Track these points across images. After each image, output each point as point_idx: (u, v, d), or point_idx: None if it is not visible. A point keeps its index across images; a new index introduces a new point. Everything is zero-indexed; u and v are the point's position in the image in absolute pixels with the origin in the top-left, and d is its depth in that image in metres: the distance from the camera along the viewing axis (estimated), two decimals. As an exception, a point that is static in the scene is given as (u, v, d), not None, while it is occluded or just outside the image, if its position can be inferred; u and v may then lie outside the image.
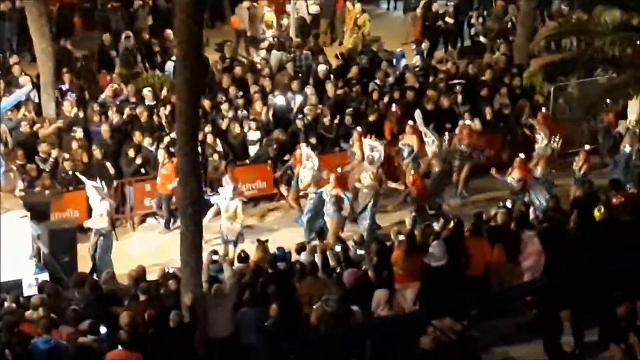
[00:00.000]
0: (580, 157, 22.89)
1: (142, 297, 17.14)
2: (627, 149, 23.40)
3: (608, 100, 21.01)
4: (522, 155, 22.37)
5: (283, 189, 23.10)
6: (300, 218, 22.38)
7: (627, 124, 24.13)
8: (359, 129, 23.39)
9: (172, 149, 21.52)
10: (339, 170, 21.86)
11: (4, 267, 18.10)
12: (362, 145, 22.76)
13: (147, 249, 21.71)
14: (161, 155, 22.14)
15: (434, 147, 22.93)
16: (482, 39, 31.14)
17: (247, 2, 30.92)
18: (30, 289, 18.04)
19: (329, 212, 21.49)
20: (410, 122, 23.45)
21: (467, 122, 23.99)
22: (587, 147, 23.13)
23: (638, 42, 19.36)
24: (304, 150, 22.52)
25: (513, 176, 22.13)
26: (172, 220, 22.25)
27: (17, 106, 23.57)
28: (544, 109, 24.51)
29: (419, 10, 32.46)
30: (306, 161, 22.24)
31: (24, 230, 18.64)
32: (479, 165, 24.41)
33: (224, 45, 28.52)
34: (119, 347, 15.92)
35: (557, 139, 23.28)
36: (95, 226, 20.05)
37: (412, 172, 22.07)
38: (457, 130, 23.84)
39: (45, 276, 18.32)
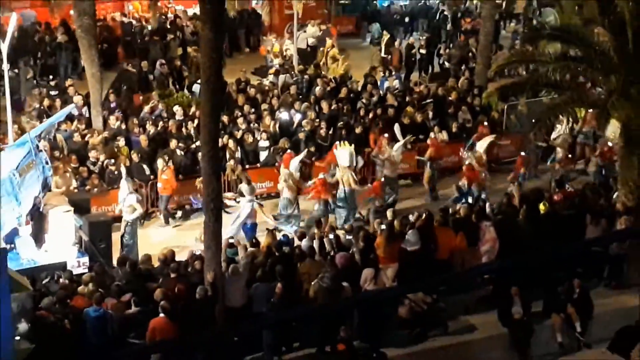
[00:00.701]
0: (518, 161, 22.82)
1: (172, 275, 17.14)
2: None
3: (551, 116, 20.96)
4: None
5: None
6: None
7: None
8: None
9: (166, 158, 21.42)
10: (321, 176, 21.56)
11: (52, 251, 18.23)
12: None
13: (168, 236, 21.56)
14: (160, 163, 21.60)
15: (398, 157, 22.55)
16: (447, 64, 31.13)
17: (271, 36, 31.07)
18: (77, 269, 18.03)
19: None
20: (386, 135, 23.14)
21: (436, 134, 23.99)
22: (522, 153, 23.08)
23: (574, 69, 19.30)
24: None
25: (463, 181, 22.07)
26: (169, 218, 22.01)
27: (70, 119, 23.57)
28: (485, 123, 24.41)
29: (397, 43, 32.42)
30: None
31: (68, 222, 18.60)
32: (445, 169, 24.36)
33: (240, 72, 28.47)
34: (161, 315, 15.92)
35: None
36: (129, 218, 19.96)
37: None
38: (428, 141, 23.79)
39: (85, 259, 18.28)
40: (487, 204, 20.24)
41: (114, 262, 18.42)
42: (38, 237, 18.37)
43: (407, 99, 26.59)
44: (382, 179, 22.18)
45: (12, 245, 17.86)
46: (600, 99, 19.44)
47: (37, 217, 18.53)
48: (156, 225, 22.17)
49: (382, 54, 31.32)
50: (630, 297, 18.27)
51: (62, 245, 18.41)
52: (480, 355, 17.31)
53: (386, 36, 31.79)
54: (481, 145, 23.02)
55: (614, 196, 19.91)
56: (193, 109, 24.65)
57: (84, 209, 19.58)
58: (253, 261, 17.80)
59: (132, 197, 20.04)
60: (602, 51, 19.00)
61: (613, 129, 21.19)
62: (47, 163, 19.41)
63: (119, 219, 20.35)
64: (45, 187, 19.19)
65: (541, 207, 19.82)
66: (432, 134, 23.96)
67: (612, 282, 19.03)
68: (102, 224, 19.35)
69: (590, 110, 22.05)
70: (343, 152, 21.91)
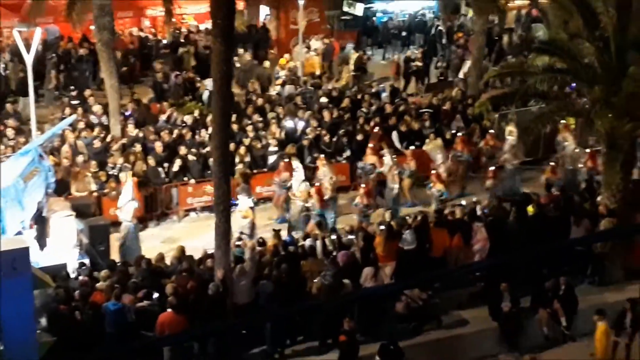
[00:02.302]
0: (489, 173, 22.68)
1: (185, 273, 17.16)
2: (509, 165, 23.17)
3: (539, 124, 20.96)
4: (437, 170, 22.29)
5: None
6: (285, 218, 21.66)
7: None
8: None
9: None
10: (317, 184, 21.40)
11: (54, 254, 18.26)
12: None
13: (184, 235, 21.51)
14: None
15: (389, 167, 22.24)
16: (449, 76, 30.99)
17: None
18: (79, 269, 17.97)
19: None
20: (371, 145, 23.05)
21: (431, 141, 23.93)
22: (492, 167, 22.89)
23: (561, 80, 19.32)
24: (294, 163, 22.04)
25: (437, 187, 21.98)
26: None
27: (90, 127, 23.61)
28: (460, 134, 24.22)
29: (395, 57, 32.47)
30: (295, 173, 21.74)
31: (70, 226, 18.65)
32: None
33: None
34: (169, 310, 15.94)
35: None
36: (129, 222, 19.80)
37: (363, 185, 21.67)
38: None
39: (86, 261, 18.25)
40: (478, 206, 20.22)
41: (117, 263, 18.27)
42: (41, 240, 18.44)
43: (405, 108, 26.60)
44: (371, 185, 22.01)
45: None
46: (585, 108, 19.46)
47: (40, 221, 18.62)
48: (181, 224, 22.14)
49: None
50: (612, 293, 18.29)
51: (64, 247, 18.44)
52: (472, 348, 17.30)
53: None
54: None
55: (598, 199, 19.90)
56: (205, 117, 24.67)
57: (85, 214, 19.64)
58: (261, 259, 17.83)
59: (133, 203, 19.96)
60: (586, 63, 19.03)
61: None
62: (49, 170, 19.37)
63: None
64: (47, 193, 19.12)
65: (529, 209, 19.83)
66: (412, 147, 23.78)
67: (596, 279, 19.02)
68: (101, 227, 19.46)
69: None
70: (300, 166, 21.80)
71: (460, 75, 29.96)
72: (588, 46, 19.01)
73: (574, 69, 18.96)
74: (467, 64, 30.06)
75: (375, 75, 31.51)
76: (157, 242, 20.89)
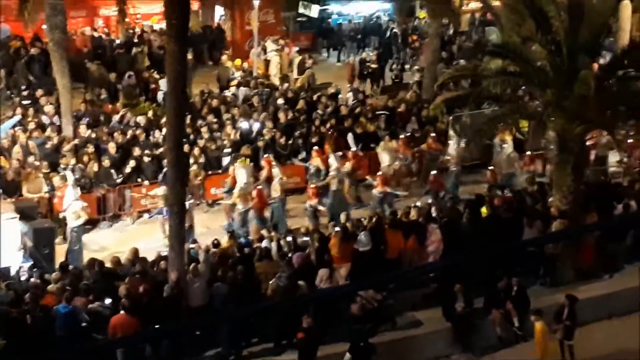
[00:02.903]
0: (430, 177, 22.85)
1: (138, 275, 17.01)
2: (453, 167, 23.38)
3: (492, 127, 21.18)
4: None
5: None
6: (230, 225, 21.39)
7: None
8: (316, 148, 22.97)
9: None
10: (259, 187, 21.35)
11: None
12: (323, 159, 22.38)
13: (112, 241, 21.19)
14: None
15: (335, 170, 22.19)
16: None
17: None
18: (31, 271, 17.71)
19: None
20: (316, 148, 23.02)
21: (386, 143, 24.01)
22: (433, 172, 23.00)
23: (514, 83, 19.54)
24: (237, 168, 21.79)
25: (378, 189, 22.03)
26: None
27: (42, 128, 23.28)
28: (402, 136, 24.34)
29: (350, 59, 32.62)
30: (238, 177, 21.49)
31: (13, 229, 18.22)
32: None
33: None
34: (122, 312, 15.78)
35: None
36: (74, 224, 19.54)
37: (312, 185, 21.71)
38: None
39: (29, 265, 17.94)
40: (433, 208, 20.36)
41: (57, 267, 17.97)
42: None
43: (360, 110, 26.69)
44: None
45: None
46: (537, 111, 19.71)
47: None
48: (134, 226, 21.93)
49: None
50: (563, 294, 18.49)
51: (7, 250, 18.05)
52: (426, 349, 17.40)
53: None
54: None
55: (549, 200, 20.16)
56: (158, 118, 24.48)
57: (29, 217, 19.20)
58: (215, 262, 17.73)
59: (77, 204, 19.72)
60: (539, 67, 19.28)
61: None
62: None
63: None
64: None
65: (483, 210, 20.02)
66: (353, 148, 23.78)
67: (547, 280, 19.27)
68: (45, 230, 19.04)
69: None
70: (241, 170, 21.66)
71: (416, 77, 30.14)
72: (540, 50, 19.26)
73: (527, 72, 19.19)
74: (417, 67, 30.41)
75: (331, 77, 31.51)
76: (109, 244, 20.66)
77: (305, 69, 30.62)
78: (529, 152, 23.67)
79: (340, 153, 22.97)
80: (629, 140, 23.41)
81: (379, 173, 22.46)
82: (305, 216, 21.58)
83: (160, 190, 20.78)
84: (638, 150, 24.15)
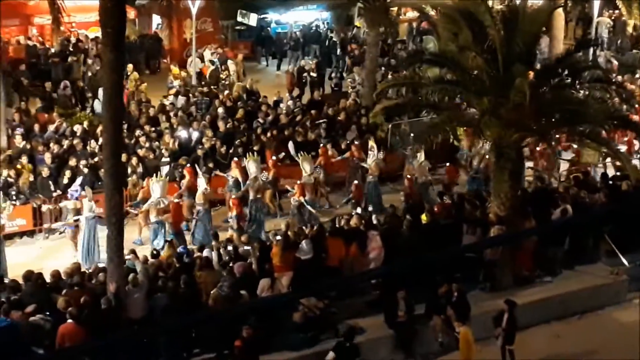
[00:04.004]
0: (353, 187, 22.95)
1: (76, 287, 16.76)
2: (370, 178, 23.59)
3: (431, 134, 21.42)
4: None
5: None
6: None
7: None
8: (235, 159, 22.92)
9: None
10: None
11: None
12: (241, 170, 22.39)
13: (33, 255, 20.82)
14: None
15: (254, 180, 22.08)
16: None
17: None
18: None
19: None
20: (235, 159, 22.92)
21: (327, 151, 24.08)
22: (355, 181, 23.13)
23: (451, 91, 19.81)
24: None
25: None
26: None
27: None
28: (328, 147, 24.33)
29: (290, 68, 32.69)
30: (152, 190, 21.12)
31: None
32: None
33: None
34: (69, 321, 15.54)
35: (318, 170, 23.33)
36: None
37: (233, 196, 21.70)
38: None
39: None
40: (374, 215, 20.49)
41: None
42: None
43: (300, 118, 26.74)
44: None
45: None
46: (474, 118, 20.00)
47: None
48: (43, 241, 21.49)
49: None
50: (502, 299, 18.79)
51: None
52: (368, 355, 17.45)
53: None
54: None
55: (488, 207, 20.46)
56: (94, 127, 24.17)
57: None
58: (155, 272, 17.56)
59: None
60: (475, 75, 19.58)
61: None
62: None
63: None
64: None
65: (423, 217, 20.21)
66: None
67: (487, 285, 19.54)
68: None
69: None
70: (252, 164, 21.99)
71: (354, 85, 30.30)
72: (477, 58, 19.57)
73: (464, 81, 19.47)
74: (354, 75, 30.60)
75: (271, 86, 31.52)
76: (45, 256, 20.29)
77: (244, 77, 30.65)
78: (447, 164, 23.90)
79: (259, 163, 22.63)
80: (537, 148, 23.91)
81: (298, 182, 22.42)
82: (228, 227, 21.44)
83: (70, 203, 20.51)
84: (544, 158, 24.68)
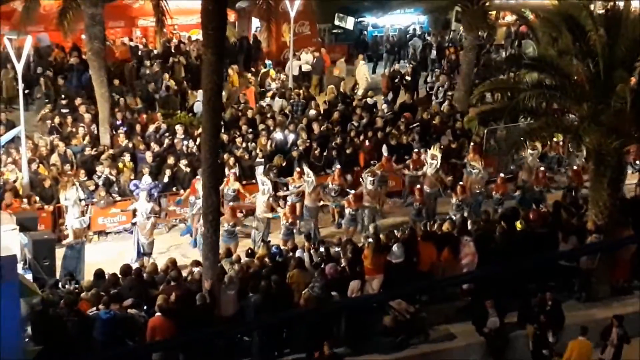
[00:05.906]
0: (497, 183, 22.77)
1: (172, 282, 17.14)
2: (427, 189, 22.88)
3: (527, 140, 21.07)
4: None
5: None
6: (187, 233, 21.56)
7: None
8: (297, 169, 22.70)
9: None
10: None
11: None
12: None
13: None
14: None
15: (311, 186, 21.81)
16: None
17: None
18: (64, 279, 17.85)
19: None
20: (298, 169, 22.54)
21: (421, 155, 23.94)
22: (502, 175, 22.99)
23: (549, 96, 19.43)
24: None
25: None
26: None
27: (82, 136, 23.60)
28: (472, 144, 24.19)
29: (386, 71, 32.61)
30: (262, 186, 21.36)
31: (13, 240, 17.72)
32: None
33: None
34: (158, 314, 15.92)
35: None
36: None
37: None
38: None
39: (29, 276, 17.73)
40: (469, 221, 20.27)
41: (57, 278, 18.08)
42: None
43: (395, 121, 26.64)
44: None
45: None
46: (573, 125, 19.58)
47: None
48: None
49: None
50: (598, 310, 18.38)
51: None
52: (459, 362, 17.33)
53: None
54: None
55: (585, 215, 19.99)
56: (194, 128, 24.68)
57: (29, 228, 18.98)
58: (248, 271, 17.81)
59: (78, 222, 19.93)
60: (575, 80, 19.16)
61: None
62: None
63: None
64: None
65: (517, 224, 19.89)
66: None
67: (582, 295, 19.09)
68: (46, 242, 18.75)
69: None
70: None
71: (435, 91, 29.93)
72: (577, 63, 19.15)
73: (563, 86, 19.08)
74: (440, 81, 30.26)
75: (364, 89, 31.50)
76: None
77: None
78: (501, 175, 23.31)
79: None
80: None
81: (353, 192, 22.12)
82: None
83: (132, 205, 20.73)
84: None
